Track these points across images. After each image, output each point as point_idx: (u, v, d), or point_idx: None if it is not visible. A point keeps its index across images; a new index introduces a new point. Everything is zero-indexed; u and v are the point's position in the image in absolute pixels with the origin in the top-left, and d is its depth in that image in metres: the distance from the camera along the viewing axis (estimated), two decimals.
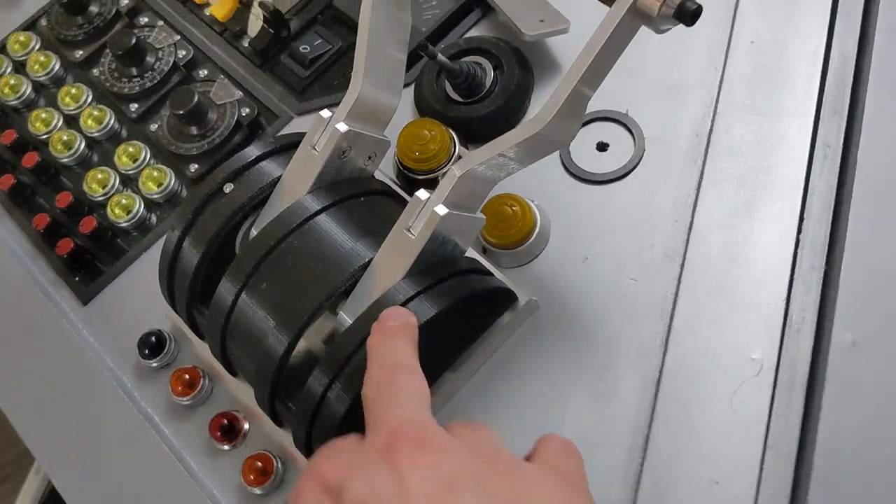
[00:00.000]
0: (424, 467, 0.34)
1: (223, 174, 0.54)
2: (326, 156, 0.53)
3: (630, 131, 0.61)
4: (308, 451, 0.50)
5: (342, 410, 0.47)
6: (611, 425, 0.52)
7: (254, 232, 0.54)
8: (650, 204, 0.58)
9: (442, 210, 0.49)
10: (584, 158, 0.61)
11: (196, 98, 0.66)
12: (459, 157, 0.61)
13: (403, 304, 0.47)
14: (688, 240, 0.56)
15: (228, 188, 0.55)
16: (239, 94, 0.69)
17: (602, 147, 0.62)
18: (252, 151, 0.55)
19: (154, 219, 0.67)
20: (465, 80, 0.63)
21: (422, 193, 0.50)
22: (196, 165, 0.68)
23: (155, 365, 0.61)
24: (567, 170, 0.61)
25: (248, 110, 0.68)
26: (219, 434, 0.57)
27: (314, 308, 0.49)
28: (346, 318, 0.50)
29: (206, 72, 0.71)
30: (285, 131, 0.68)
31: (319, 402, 0.48)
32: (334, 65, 0.70)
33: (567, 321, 0.56)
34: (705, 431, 0.50)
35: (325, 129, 0.53)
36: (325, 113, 0.54)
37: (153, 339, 0.61)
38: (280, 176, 0.54)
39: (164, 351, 0.61)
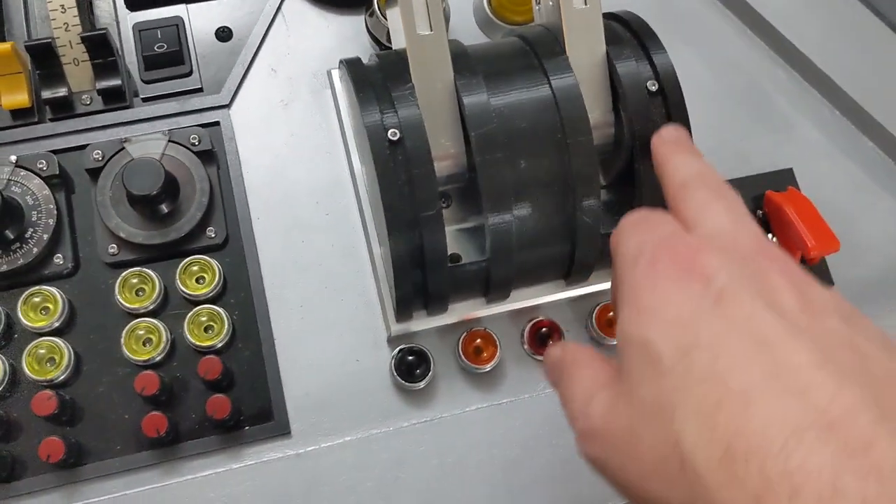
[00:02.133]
0: (800, 292, 0.31)
1: (382, 162, 0.46)
2: (445, 28, 0.48)
3: None
4: None
5: None
6: None
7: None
8: None
9: None
10: None
11: (155, 160, 0.51)
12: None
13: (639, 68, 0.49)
14: None
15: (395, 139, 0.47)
16: (161, 134, 0.54)
17: None
18: (373, 113, 0.47)
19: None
20: None
21: None
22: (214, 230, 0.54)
23: (425, 384, 0.52)
24: None
25: (196, 138, 0.55)
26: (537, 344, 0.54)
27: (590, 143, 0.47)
28: None
29: (99, 152, 0.54)
30: (237, 126, 0.57)
31: None
32: (196, 39, 0.58)
33: None
34: None
35: (422, 3, 0.48)
36: None
37: (410, 357, 0.52)
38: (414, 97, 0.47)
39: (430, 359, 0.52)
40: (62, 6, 0.54)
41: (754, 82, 0.61)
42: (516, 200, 0.47)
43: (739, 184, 0.58)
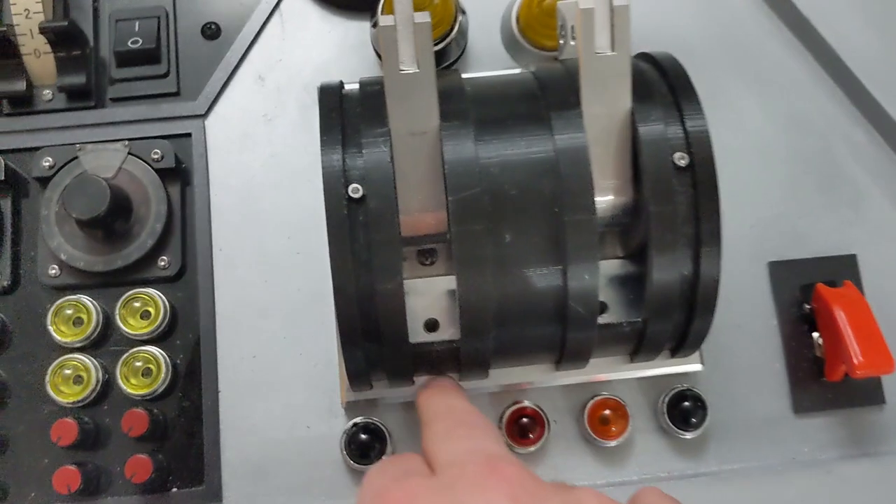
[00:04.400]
0: None
1: (336, 220, 0.39)
2: (432, 64, 0.40)
3: None
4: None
5: None
6: None
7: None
8: None
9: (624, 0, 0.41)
10: None
11: (102, 182, 0.45)
12: (463, 12, 0.50)
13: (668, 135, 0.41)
14: None
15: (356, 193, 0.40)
16: (119, 146, 0.49)
17: None
18: (334, 161, 0.40)
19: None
20: None
21: (582, 1, 0.41)
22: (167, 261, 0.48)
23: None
24: None
25: (158, 154, 0.49)
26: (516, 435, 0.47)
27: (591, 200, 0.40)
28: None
29: (49, 160, 0.48)
30: (211, 140, 0.51)
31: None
32: (179, 35, 0.52)
33: None
34: None
35: (409, 35, 0.40)
36: (387, 19, 0.40)
37: (363, 434, 0.46)
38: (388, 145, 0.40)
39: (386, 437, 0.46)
40: None
41: (825, 144, 0.52)
42: (497, 278, 0.40)
43: (789, 267, 0.49)
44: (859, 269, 0.49)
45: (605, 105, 0.42)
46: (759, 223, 0.50)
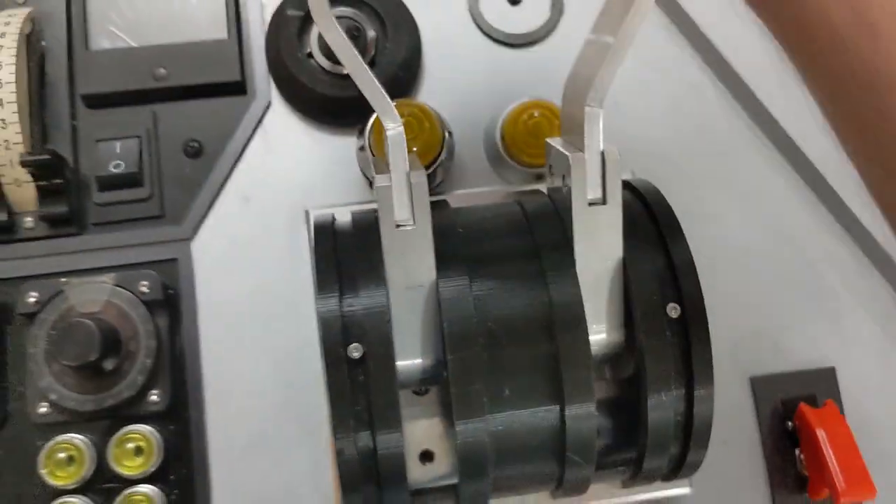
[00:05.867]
0: None
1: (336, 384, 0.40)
2: (428, 219, 0.41)
3: None
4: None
5: None
6: None
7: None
8: None
9: (615, 153, 0.42)
10: None
11: (91, 326, 0.46)
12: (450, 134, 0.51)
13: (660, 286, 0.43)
14: None
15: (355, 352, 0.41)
16: (106, 279, 0.49)
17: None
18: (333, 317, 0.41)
19: None
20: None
21: (575, 154, 0.42)
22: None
23: None
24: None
25: (146, 285, 0.49)
26: None
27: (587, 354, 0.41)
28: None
29: (34, 295, 0.48)
30: (198, 265, 0.51)
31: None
32: (161, 154, 0.52)
33: None
34: None
35: (405, 192, 0.41)
36: (383, 179, 0.41)
37: None
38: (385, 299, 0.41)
39: None
40: (2, 121, 0.48)
41: (805, 255, 0.54)
42: (496, 431, 0.42)
43: (771, 381, 0.52)
44: (838, 382, 0.52)
45: (598, 255, 0.43)
46: (741, 337, 0.52)
